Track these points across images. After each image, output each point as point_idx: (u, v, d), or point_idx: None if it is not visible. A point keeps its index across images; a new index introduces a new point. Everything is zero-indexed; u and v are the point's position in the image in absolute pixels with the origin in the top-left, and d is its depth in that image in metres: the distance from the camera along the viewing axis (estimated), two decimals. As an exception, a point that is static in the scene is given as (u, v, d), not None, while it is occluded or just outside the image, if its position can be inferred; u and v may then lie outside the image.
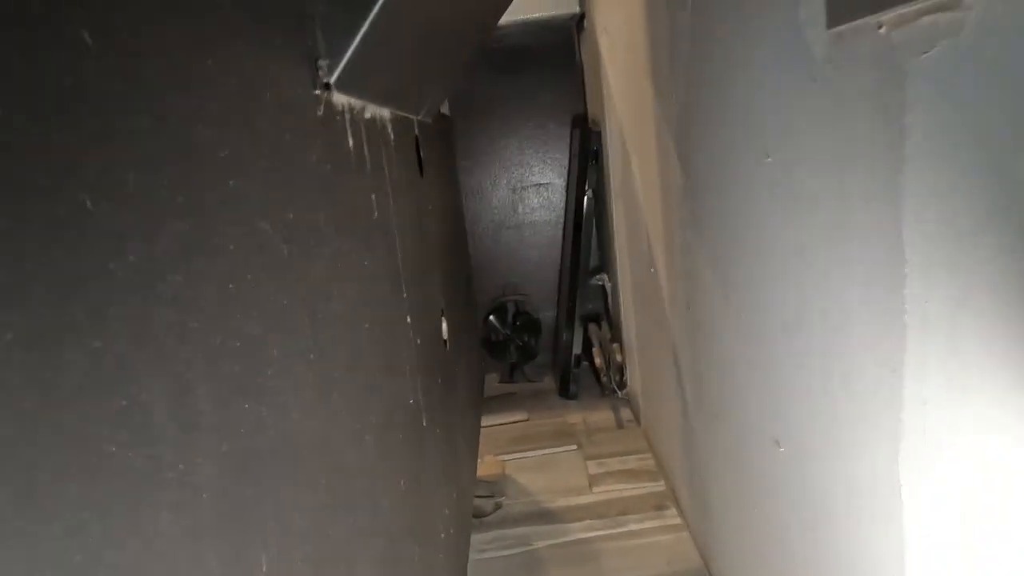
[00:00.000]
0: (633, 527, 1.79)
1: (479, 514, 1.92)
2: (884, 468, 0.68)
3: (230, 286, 0.40)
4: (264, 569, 0.38)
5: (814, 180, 0.76)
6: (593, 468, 2.13)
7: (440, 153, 1.81)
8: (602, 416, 2.51)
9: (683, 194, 1.36)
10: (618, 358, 2.54)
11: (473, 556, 1.73)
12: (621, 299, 2.48)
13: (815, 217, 0.77)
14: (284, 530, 0.43)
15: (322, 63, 0.63)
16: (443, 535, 1.08)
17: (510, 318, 2.95)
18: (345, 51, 0.64)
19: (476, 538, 1.81)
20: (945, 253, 0.55)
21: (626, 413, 2.49)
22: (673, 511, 1.83)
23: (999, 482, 0.52)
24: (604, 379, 2.59)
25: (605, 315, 2.82)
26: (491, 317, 2.93)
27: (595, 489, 2.00)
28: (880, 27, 0.59)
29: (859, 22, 0.61)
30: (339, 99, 0.69)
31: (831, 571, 0.85)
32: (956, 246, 0.53)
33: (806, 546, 0.92)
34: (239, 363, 0.40)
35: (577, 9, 2.47)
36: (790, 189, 0.83)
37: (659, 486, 1.98)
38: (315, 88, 0.63)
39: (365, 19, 0.64)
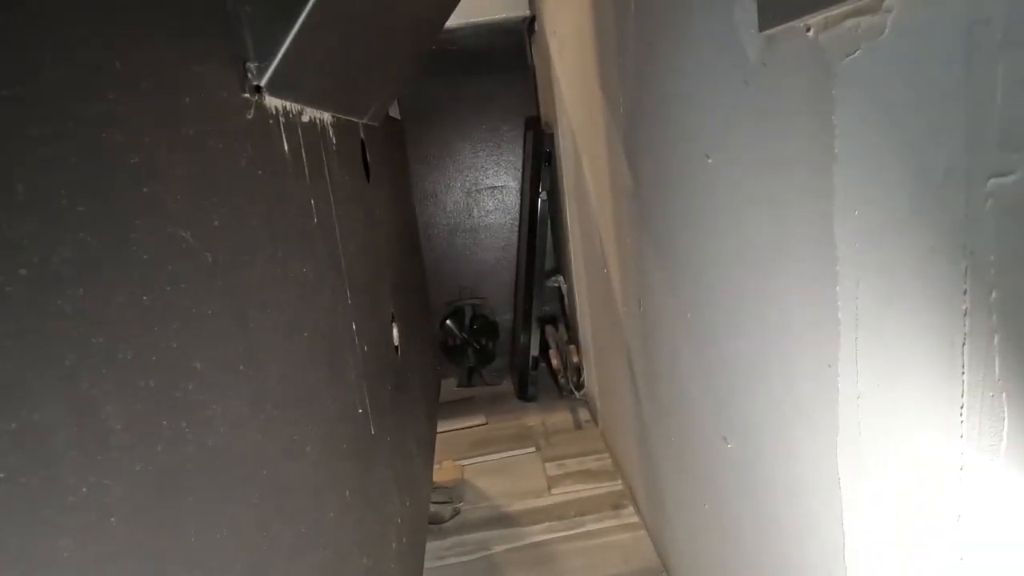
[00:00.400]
0: (591, 527, 1.80)
1: (437, 520, 1.90)
2: (824, 463, 0.69)
3: (143, 298, 0.38)
4: (186, 591, 0.37)
5: (752, 180, 0.77)
6: (552, 470, 2.13)
7: (390, 157, 1.78)
8: (560, 418, 2.52)
9: (631, 195, 1.37)
10: (575, 359, 2.55)
11: (432, 563, 1.71)
12: (577, 300, 2.49)
13: (754, 217, 0.78)
14: (211, 548, 0.41)
15: (251, 65, 0.61)
16: (395, 544, 1.06)
17: (467, 322, 2.94)
18: (276, 53, 0.62)
19: (434, 545, 1.79)
20: (873, 251, 0.56)
21: (584, 414, 2.51)
22: (631, 510, 1.85)
23: (929, 478, 0.53)
24: (562, 381, 2.60)
25: (562, 317, 2.83)
26: (448, 321, 2.92)
27: (554, 491, 2.00)
28: (808, 30, 0.60)
29: (788, 25, 0.62)
30: (271, 102, 0.67)
31: (779, 565, 0.86)
32: (883, 244, 0.55)
33: (756, 540, 0.94)
34: (154, 378, 0.38)
35: (528, 12, 2.48)
36: (730, 190, 0.84)
37: (617, 485, 1.99)
38: (244, 91, 0.61)
39: (295, 21, 0.62)
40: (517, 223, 2.96)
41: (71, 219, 0.32)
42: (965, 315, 0.46)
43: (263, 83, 0.63)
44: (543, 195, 2.62)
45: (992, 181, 0.42)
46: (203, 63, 0.51)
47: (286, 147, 0.70)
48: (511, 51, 2.79)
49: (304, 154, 0.76)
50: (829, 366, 0.65)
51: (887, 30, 0.50)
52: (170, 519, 0.37)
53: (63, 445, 0.29)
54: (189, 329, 0.43)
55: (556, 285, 2.75)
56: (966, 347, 0.47)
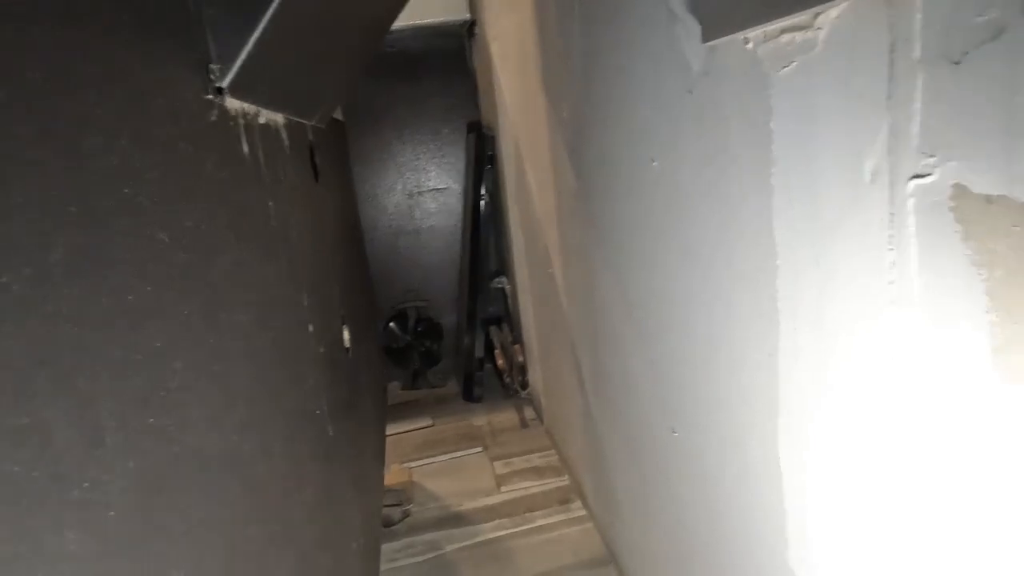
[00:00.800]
0: (540, 523, 1.84)
1: (388, 523, 1.90)
2: (767, 447, 0.74)
3: (129, 297, 0.38)
4: (176, 582, 0.37)
5: (696, 182, 0.82)
6: (500, 468, 2.16)
7: (335, 159, 1.77)
8: (506, 417, 2.55)
9: (577, 197, 1.41)
10: (519, 359, 2.58)
11: (384, 566, 1.71)
12: (521, 301, 2.53)
13: (698, 217, 0.83)
14: (197, 545, 0.42)
15: (214, 67, 0.61)
16: (355, 545, 1.07)
17: (411, 324, 2.93)
18: (237, 56, 0.63)
19: (386, 547, 1.79)
20: (809, 247, 0.61)
21: (529, 412, 2.55)
22: (578, 504, 1.90)
23: (857, 461, 0.59)
24: (507, 380, 2.63)
25: (506, 317, 2.86)
26: (392, 324, 2.91)
27: (502, 489, 2.03)
28: (748, 43, 0.65)
29: (729, 38, 0.67)
30: (233, 104, 0.67)
31: (728, 546, 0.91)
32: (818, 240, 0.60)
33: (706, 525, 0.99)
34: (142, 376, 0.38)
35: (468, 15, 2.50)
36: (675, 191, 0.89)
37: (564, 481, 2.04)
38: (207, 93, 0.61)
39: (257, 24, 0.63)
40: (460, 225, 2.98)
41: (64, 220, 0.33)
42: (891, 304, 0.52)
43: (225, 85, 0.63)
44: (485, 197, 2.65)
45: (913, 182, 0.48)
46: (170, 66, 0.51)
47: (245, 149, 0.70)
48: (452, 54, 2.81)
49: (261, 156, 0.76)
50: (769, 355, 0.71)
51: (819, 45, 0.55)
52: (161, 516, 0.38)
53: (66, 441, 0.30)
54: (169, 329, 0.43)
55: (500, 286, 2.78)
56: (894, 330, 0.52)
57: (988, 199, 0.42)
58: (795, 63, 0.59)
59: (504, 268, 2.78)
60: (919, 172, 0.47)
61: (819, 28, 0.55)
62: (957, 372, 0.46)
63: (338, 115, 2.43)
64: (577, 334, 1.65)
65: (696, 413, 0.94)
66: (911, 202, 0.48)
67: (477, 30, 2.55)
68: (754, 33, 0.63)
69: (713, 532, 0.95)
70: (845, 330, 0.58)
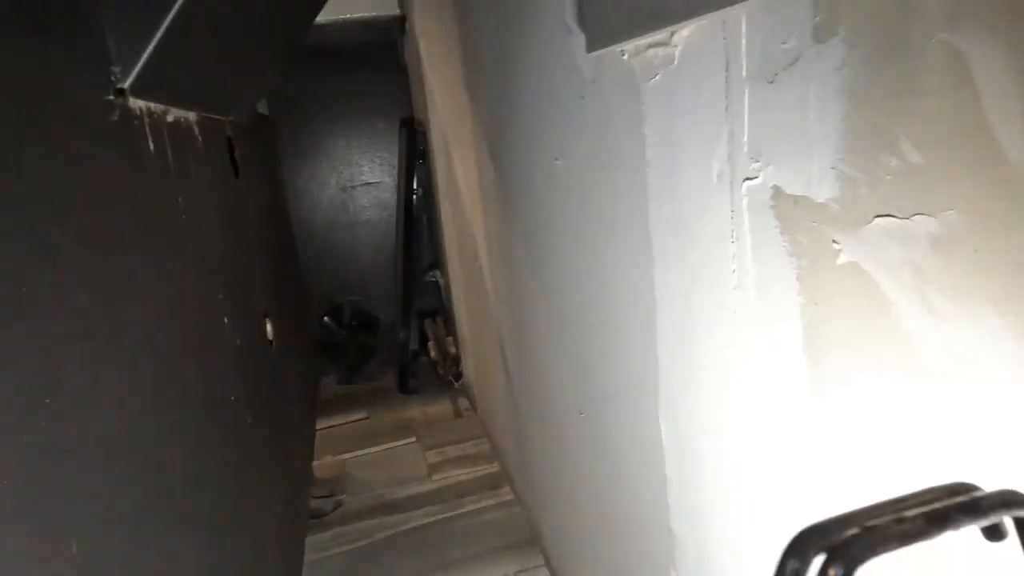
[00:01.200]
0: (470, 507, 1.89)
1: (318, 514, 1.92)
2: (651, 418, 0.81)
3: (23, 288, 0.41)
4: (74, 550, 0.41)
5: (590, 180, 0.88)
6: (432, 457, 2.20)
7: (259, 154, 1.78)
8: (441, 408, 2.59)
9: (497, 192, 1.47)
10: (453, 350, 2.63)
11: (314, 556, 1.73)
12: (454, 293, 2.58)
13: (593, 212, 0.90)
14: (97, 517, 0.45)
15: (115, 69, 0.64)
16: (273, 531, 1.09)
17: (347, 319, 2.94)
18: (139, 57, 0.65)
19: (317, 538, 1.81)
20: (675, 240, 0.68)
21: (463, 403, 2.60)
22: (507, 489, 1.96)
23: (714, 430, 0.66)
24: (441, 372, 2.68)
25: (440, 310, 2.90)
26: (326, 318, 2.91)
27: (434, 477, 2.08)
28: (623, 55, 0.71)
29: (609, 49, 0.73)
30: (136, 104, 0.69)
31: (625, 510, 0.99)
32: (681, 234, 0.67)
33: (609, 494, 1.06)
34: (38, 360, 0.41)
35: (397, 11, 2.52)
36: (574, 188, 0.95)
37: (494, 467, 2.10)
38: (108, 94, 0.63)
39: (159, 25, 0.65)
40: (394, 219, 3.00)
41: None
42: (735, 289, 0.59)
43: (127, 86, 0.66)
44: (418, 191, 2.67)
45: (745, 183, 0.55)
46: (66, 68, 0.54)
47: (152, 147, 0.72)
48: (384, 49, 2.82)
49: (170, 153, 0.78)
50: (651, 337, 0.78)
51: (676, 60, 0.62)
52: (58, 488, 0.41)
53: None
54: (68, 318, 0.46)
55: (434, 280, 2.81)
56: (736, 313, 0.59)
57: (795, 199, 0.49)
58: (659, 75, 0.65)
59: (438, 262, 2.82)
60: (749, 175, 0.54)
61: (676, 45, 0.61)
62: (780, 349, 0.54)
63: (263, 110, 2.41)
64: (503, 324, 1.71)
65: (598, 393, 1.01)
66: (745, 201, 0.55)
67: (408, 26, 2.57)
68: (628, 47, 0.70)
69: (614, 499, 1.02)
70: (703, 315, 0.65)
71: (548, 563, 1.59)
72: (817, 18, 0.44)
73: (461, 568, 1.63)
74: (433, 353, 2.68)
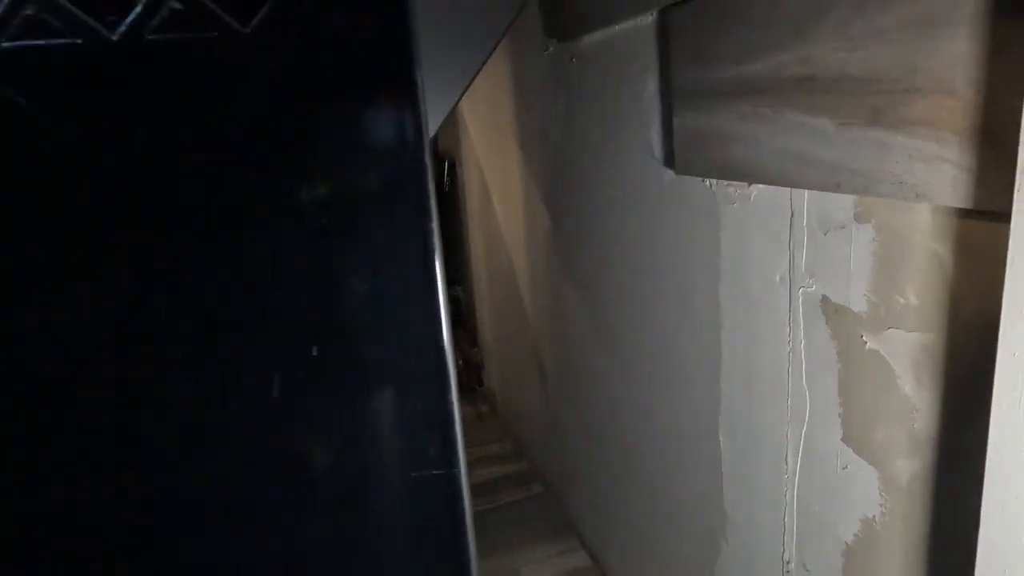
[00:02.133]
0: (505, 500, 2.20)
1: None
2: (712, 433, 1.13)
3: None
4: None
5: (667, 255, 1.19)
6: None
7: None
8: (462, 411, 2.88)
9: (551, 237, 1.77)
10: (477, 360, 2.92)
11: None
12: (479, 308, 2.87)
13: (665, 282, 1.20)
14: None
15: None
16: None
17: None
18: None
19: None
20: (742, 313, 0.99)
21: (483, 407, 2.89)
22: (537, 484, 2.27)
23: (760, 441, 0.98)
24: (464, 379, 2.97)
25: (461, 322, 3.19)
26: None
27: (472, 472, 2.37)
28: (706, 182, 1.02)
29: (693, 177, 1.04)
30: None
31: (684, 504, 1.30)
32: (748, 310, 0.98)
33: (665, 488, 1.38)
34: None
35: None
36: (648, 259, 1.26)
37: (521, 465, 2.40)
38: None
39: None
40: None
41: None
42: (789, 352, 0.90)
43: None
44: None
45: (801, 290, 0.86)
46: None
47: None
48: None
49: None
50: (714, 377, 1.09)
51: (751, 199, 0.93)
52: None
53: None
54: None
55: (455, 294, 3.10)
56: (788, 365, 0.91)
57: (837, 307, 0.81)
58: (736, 204, 0.96)
59: (460, 277, 3.10)
60: (804, 285, 0.85)
61: (752, 190, 0.93)
62: (818, 395, 0.85)
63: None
64: (541, 340, 2.02)
65: (658, 409, 1.33)
66: (800, 299, 0.87)
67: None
68: (711, 180, 1.01)
69: (665, 489, 1.34)
70: (762, 364, 0.96)
71: (584, 545, 1.90)
72: (858, 208, 0.75)
73: (509, 551, 1.93)
74: (459, 361, 2.97)
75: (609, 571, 1.76)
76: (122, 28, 0.33)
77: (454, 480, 0.48)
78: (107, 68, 0.31)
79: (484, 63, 1.07)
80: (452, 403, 0.47)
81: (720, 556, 1.17)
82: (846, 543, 0.86)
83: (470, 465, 2.37)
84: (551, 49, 1.55)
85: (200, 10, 0.33)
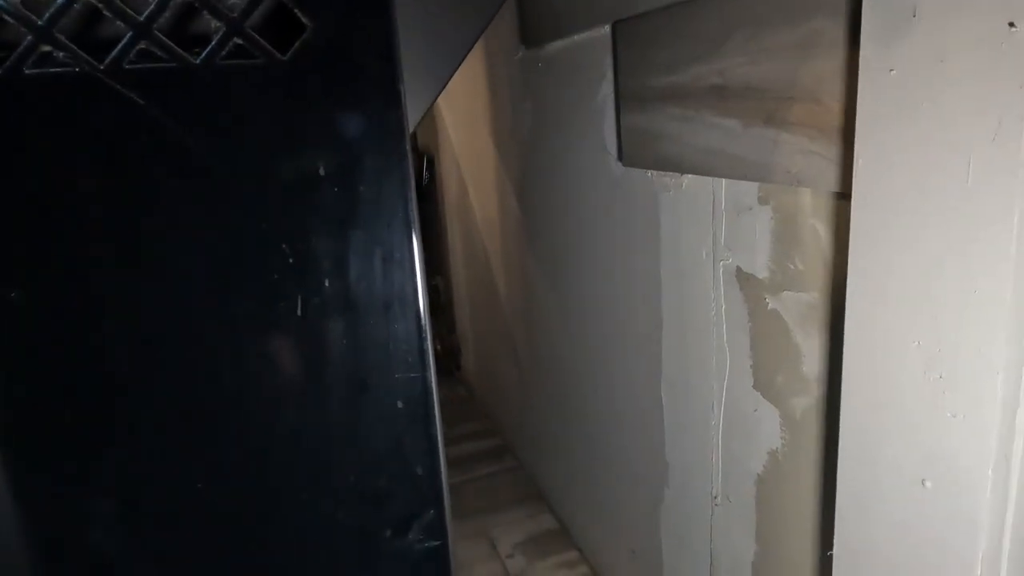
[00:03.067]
0: (482, 472, 2.36)
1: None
2: (655, 391, 1.30)
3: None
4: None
5: (617, 239, 1.36)
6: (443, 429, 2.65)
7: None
8: (442, 394, 3.03)
9: (522, 229, 1.93)
10: (455, 345, 3.08)
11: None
12: (457, 297, 3.02)
13: (616, 258, 1.37)
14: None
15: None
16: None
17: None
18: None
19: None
20: (676, 283, 1.16)
21: (461, 390, 3.05)
22: (510, 457, 2.43)
23: (693, 396, 1.15)
24: (442, 363, 3.12)
25: (439, 309, 3.34)
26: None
27: (448, 448, 2.53)
28: (647, 173, 1.19)
29: (638, 169, 1.21)
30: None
31: (633, 460, 1.47)
32: (682, 282, 1.15)
33: (617, 448, 1.55)
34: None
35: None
36: (600, 241, 1.43)
37: (497, 441, 2.56)
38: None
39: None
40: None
41: None
42: (713, 314, 1.07)
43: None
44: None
45: (721, 263, 1.03)
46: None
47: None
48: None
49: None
50: (656, 341, 1.26)
51: (684, 187, 1.10)
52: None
53: None
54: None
55: (435, 284, 3.25)
56: (712, 326, 1.08)
57: (747, 275, 0.98)
58: (671, 191, 1.13)
59: (439, 267, 3.25)
60: (723, 259, 1.02)
61: (683, 179, 1.09)
62: (736, 349, 1.02)
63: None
64: (514, 326, 2.18)
65: (611, 379, 1.50)
66: (720, 270, 1.04)
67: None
68: (653, 173, 1.17)
69: (618, 449, 1.51)
70: (693, 325, 1.13)
71: (551, 510, 2.07)
72: (761, 193, 0.92)
73: (483, 516, 2.10)
74: (437, 347, 3.12)
75: (573, 531, 1.93)
76: (203, 55, 0.48)
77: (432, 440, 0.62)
78: (194, 84, 0.47)
79: (459, 65, 1.22)
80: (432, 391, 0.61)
81: (664, 500, 1.34)
82: (757, 474, 1.04)
83: (448, 442, 2.53)
84: (521, 54, 1.71)
85: (253, 43, 0.48)
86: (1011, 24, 0.53)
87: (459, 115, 2.51)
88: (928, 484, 0.67)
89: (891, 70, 0.63)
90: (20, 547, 0.51)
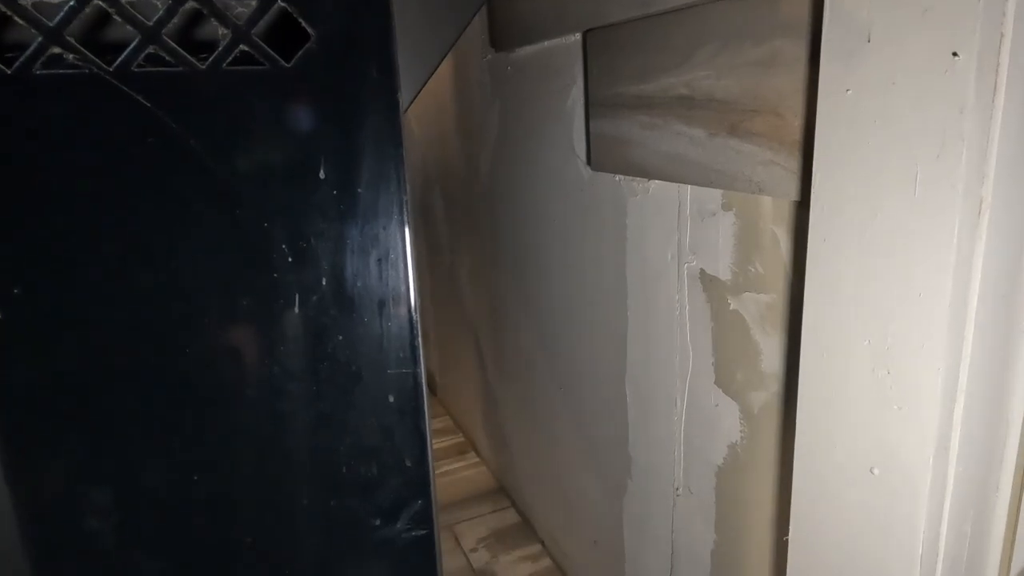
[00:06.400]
0: (445, 468, 2.38)
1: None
2: (620, 386, 1.35)
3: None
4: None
5: (586, 242, 1.40)
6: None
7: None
8: (404, 391, 3.05)
9: (490, 227, 1.96)
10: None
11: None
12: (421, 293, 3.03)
13: (586, 260, 1.42)
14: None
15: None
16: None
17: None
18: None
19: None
20: (642, 286, 1.21)
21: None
22: (473, 454, 2.46)
23: (657, 391, 1.20)
24: (404, 361, 3.13)
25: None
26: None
27: (411, 446, 2.54)
28: (616, 177, 1.23)
29: (606, 173, 1.26)
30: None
31: (597, 454, 1.52)
32: (647, 284, 1.20)
33: (581, 444, 1.59)
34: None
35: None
36: (569, 244, 1.47)
37: (459, 438, 2.59)
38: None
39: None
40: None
41: None
42: (677, 314, 1.12)
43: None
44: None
45: (686, 265, 1.08)
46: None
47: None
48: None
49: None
50: (622, 339, 1.31)
51: (650, 192, 1.15)
52: None
53: None
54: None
55: (397, 281, 3.25)
56: (676, 326, 1.13)
57: (711, 277, 1.03)
58: (639, 195, 1.18)
59: (401, 266, 3.26)
60: (688, 261, 1.08)
61: (649, 184, 1.14)
62: (699, 348, 1.08)
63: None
64: (479, 325, 2.21)
65: (577, 377, 1.54)
66: (685, 272, 1.09)
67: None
68: (621, 177, 1.22)
69: (583, 446, 1.55)
70: (658, 327, 1.19)
71: (514, 504, 2.11)
72: (724, 200, 0.98)
73: (448, 510, 2.12)
74: (399, 345, 3.13)
75: (536, 525, 1.98)
76: (209, 61, 0.50)
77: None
78: (200, 89, 0.49)
79: (435, 70, 1.25)
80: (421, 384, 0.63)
81: (626, 494, 1.39)
82: (717, 466, 1.09)
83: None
84: (490, 57, 1.74)
85: (258, 50, 0.50)
86: (954, 54, 0.59)
87: (424, 112, 2.52)
88: (876, 472, 0.73)
89: (847, 90, 0.69)
90: (11, 543, 0.52)
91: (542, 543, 1.93)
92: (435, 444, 2.56)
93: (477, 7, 1.16)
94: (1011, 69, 0.59)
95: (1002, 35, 0.58)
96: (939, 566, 0.72)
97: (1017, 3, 0.58)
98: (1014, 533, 0.76)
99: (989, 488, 0.74)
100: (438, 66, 1.12)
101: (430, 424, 0.64)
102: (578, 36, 1.30)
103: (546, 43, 1.43)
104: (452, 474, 2.35)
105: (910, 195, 0.64)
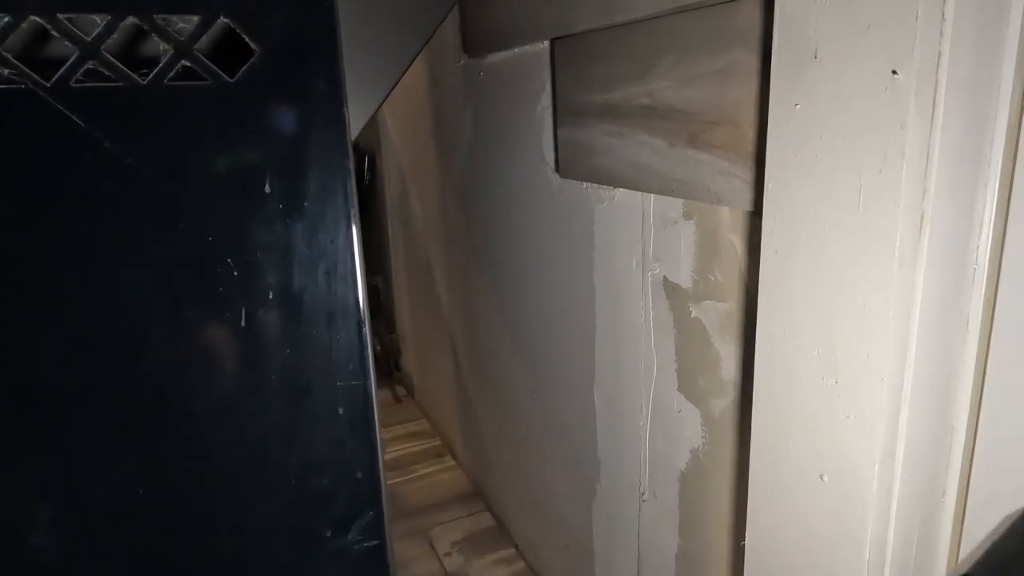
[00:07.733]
0: (421, 472, 2.38)
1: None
2: (588, 392, 1.36)
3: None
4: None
5: (556, 246, 1.41)
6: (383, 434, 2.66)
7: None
8: (381, 394, 3.04)
9: (465, 232, 1.96)
10: (395, 345, 3.08)
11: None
12: (397, 298, 3.03)
13: (558, 264, 1.42)
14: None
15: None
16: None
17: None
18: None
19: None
20: (608, 291, 1.22)
21: (401, 390, 3.06)
22: (449, 457, 2.46)
23: (624, 396, 1.21)
24: (382, 363, 3.12)
25: (380, 310, 3.34)
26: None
27: (387, 450, 2.54)
28: (583, 185, 1.24)
29: (574, 180, 1.26)
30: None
31: (568, 459, 1.53)
32: (613, 289, 1.21)
33: (549, 445, 1.60)
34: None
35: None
36: (541, 249, 1.48)
37: (436, 442, 2.59)
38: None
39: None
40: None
41: None
42: (642, 321, 1.13)
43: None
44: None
45: (650, 272, 1.09)
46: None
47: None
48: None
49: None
50: (589, 342, 1.32)
51: (616, 199, 1.16)
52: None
53: None
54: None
55: (375, 284, 3.24)
56: (641, 334, 1.14)
57: (673, 284, 1.04)
58: (605, 203, 1.19)
59: (379, 268, 3.25)
60: (651, 268, 1.09)
61: (615, 192, 1.15)
62: (663, 354, 1.09)
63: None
64: (455, 326, 2.21)
65: (546, 376, 1.55)
66: (649, 279, 1.10)
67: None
68: (587, 184, 1.23)
69: (552, 448, 1.56)
70: (624, 332, 1.20)
71: (489, 508, 2.11)
72: (685, 209, 0.99)
73: (422, 515, 2.12)
74: (376, 347, 3.12)
75: (510, 528, 1.98)
76: (150, 76, 0.50)
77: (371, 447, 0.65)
78: (143, 104, 0.48)
79: (403, 75, 1.25)
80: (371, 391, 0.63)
81: (596, 497, 1.40)
82: (680, 470, 1.10)
83: (389, 442, 2.53)
84: (463, 61, 1.75)
85: (201, 65, 0.50)
86: (894, 72, 0.60)
87: (400, 115, 2.52)
88: (826, 478, 0.75)
89: (796, 104, 0.70)
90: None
91: (516, 547, 1.94)
92: (412, 447, 2.57)
93: (444, 14, 1.16)
94: (949, 86, 0.61)
95: (940, 53, 0.60)
96: (887, 571, 0.74)
97: (954, 23, 0.59)
98: (960, 538, 0.78)
99: (935, 494, 0.76)
100: (405, 71, 1.12)
101: (381, 435, 0.65)
102: (546, 44, 1.30)
103: (516, 50, 1.44)
104: (428, 477, 2.35)
105: (855, 209, 0.66)
